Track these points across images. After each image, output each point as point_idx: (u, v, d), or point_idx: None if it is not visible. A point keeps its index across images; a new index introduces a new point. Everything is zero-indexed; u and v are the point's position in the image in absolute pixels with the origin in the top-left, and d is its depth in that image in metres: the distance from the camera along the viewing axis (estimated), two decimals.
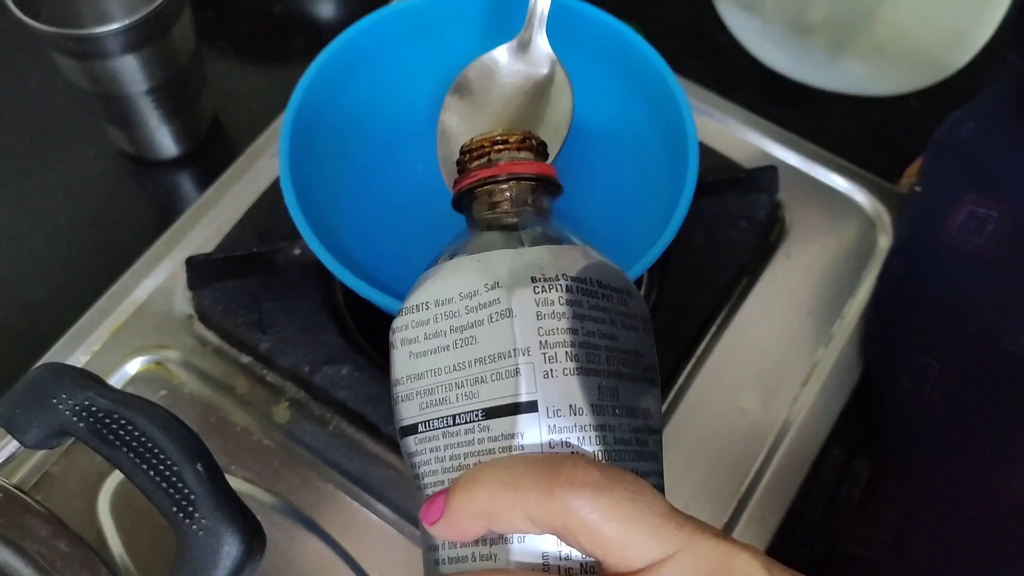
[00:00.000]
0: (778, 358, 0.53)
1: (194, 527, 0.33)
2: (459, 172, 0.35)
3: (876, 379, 0.51)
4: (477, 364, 0.28)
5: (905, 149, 0.59)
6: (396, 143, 0.52)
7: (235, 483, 0.48)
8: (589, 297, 0.29)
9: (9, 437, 0.36)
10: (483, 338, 0.28)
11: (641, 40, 0.48)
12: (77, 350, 0.51)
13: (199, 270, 0.51)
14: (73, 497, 0.48)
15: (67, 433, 0.36)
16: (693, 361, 0.52)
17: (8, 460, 0.36)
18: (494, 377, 0.28)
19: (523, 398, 0.27)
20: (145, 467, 0.34)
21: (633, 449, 0.29)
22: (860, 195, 0.58)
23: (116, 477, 0.49)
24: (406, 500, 0.48)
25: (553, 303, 0.28)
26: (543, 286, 0.29)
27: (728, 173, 0.56)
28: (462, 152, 0.35)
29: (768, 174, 0.55)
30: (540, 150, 0.35)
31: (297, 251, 0.52)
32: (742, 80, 0.66)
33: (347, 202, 0.49)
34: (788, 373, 0.52)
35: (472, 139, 0.35)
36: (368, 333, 0.52)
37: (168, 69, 0.55)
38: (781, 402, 0.51)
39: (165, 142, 0.60)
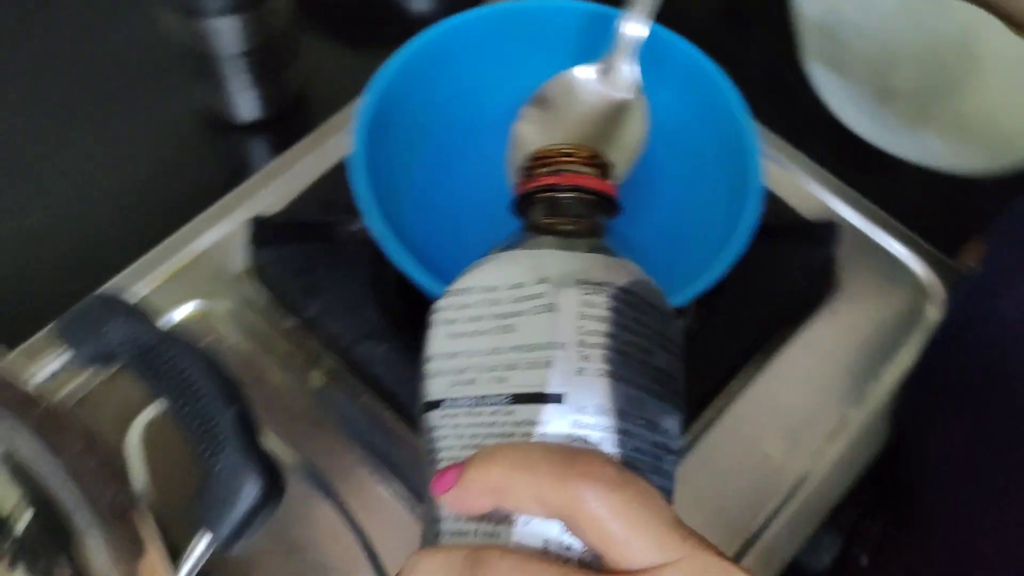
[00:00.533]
0: (808, 409, 0.53)
1: (218, 467, 0.35)
2: (524, 176, 0.36)
3: (905, 439, 0.51)
4: (512, 351, 0.29)
5: (970, 227, 0.59)
6: (466, 140, 0.53)
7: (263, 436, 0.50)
8: (631, 309, 0.30)
9: (59, 352, 0.37)
10: (522, 327, 0.29)
11: (722, 77, 0.49)
12: (134, 285, 0.53)
13: (262, 229, 0.53)
14: (108, 422, 0.49)
15: (113, 359, 0.37)
16: (725, 397, 0.53)
17: (56, 374, 0.38)
18: (527, 365, 0.29)
19: (552, 389, 0.28)
20: (182, 402, 0.36)
21: (649, 462, 0.29)
22: (916, 264, 0.58)
23: (149, 413, 0.51)
24: (420, 481, 0.49)
25: (596, 306, 0.29)
26: (590, 289, 0.29)
27: (789, 221, 0.56)
28: (530, 158, 0.36)
29: (828, 229, 0.56)
30: (605, 169, 0.36)
31: (357, 226, 0.53)
32: (817, 134, 0.66)
33: (411, 189, 0.50)
34: (815, 425, 0.52)
35: (542, 147, 0.36)
36: (412, 317, 0.53)
37: (263, 35, 0.57)
38: (804, 452, 0.51)
39: (248, 105, 0.62)
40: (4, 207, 0.59)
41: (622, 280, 0.30)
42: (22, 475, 0.36)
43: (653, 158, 0.51)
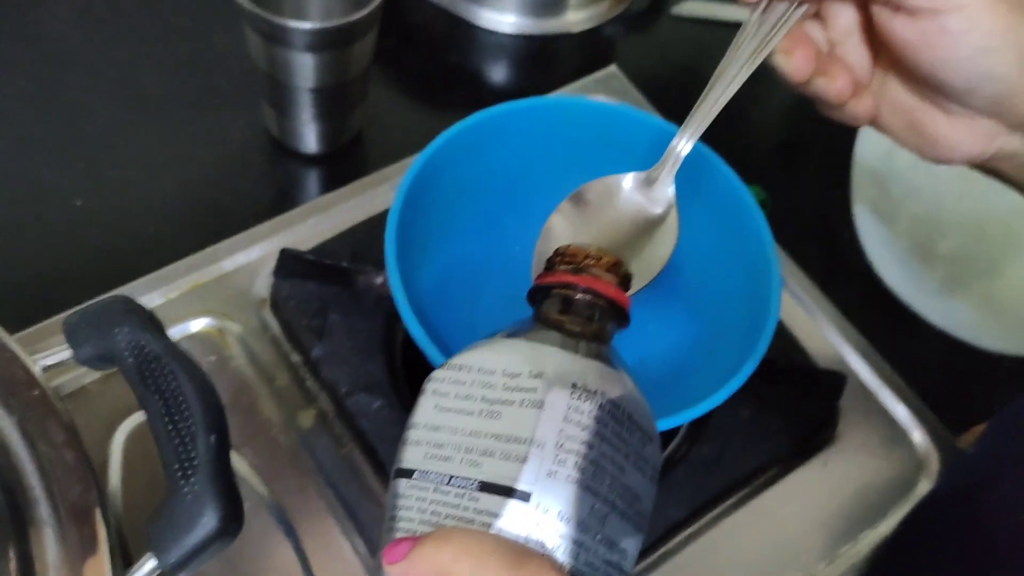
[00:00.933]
0: (778, 557, 0.52)
1: (185, 489, 0.35)
2: (546, 269, 0.37)
3: None
4: (492, 438, 0.30)
5: (982, 407, 0.59)
6: (496, 223, 0.54)
7: (238, 463, 0.51)
8: (616, 423, 0.31)
9: (62, 344, 0.38)
10: (508, 417, 0.30)
11: (756, 209, 0.50)
12: (156, 291, 0.55)
13: (289, 262, 0.54)
14: (96, 419, 0.50)
15: (113, 362, 0.38)
16: (697, 526, 0.52)
17: (57, 365, 0.39)
18: (503, 455, 0.29)
19: (521, 486, 0.28)
20: (167, 418, 0.36)
21: None
22: (918, 433, 0.58)
23: (139, 418, 0.52)
24: (377, 540, 0.49)
25: (583, 413, 0.30)
26: (580, 395, 0.30)
27: (799, 364, 0.56)
28: (556, 252, 0.37)
29: (836, 380, 0.56)
30: (624, 280, 0.37)
31: (379, 280, 0.54)
32: (850, 278, 0.67)
33: (438, 257, 0.52)
34: (782, 574, 0.52)
35: (569, 245, 0.37)
36: (412, 380, 0.54)
37: (337, 77, 0.60)
38: None
39: (309, 138, 0.64)
40: (55, 184, 0.61)
41: (614, 393, 0.31)
42: None
43: (676, 271, 0.52)
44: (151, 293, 0.55)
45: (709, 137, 0.50)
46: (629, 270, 0.37)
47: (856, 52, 0.42)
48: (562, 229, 0.48)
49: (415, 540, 0.28)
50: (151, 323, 0.39)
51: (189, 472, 0.36)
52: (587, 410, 0.30)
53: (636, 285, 0.45)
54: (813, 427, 0.55)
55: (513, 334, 0.33)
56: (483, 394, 0.31)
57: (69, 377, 0.51)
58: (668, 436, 0.55)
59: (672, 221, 0.47)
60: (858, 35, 0.42)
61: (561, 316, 0.35)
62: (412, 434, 0.32)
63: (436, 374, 0.33)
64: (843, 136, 0.69)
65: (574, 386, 0.30)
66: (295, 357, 0.54)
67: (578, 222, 0.49)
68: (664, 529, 0.51)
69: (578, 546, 0.29)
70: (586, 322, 0.35)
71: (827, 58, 0.42)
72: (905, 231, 0.68)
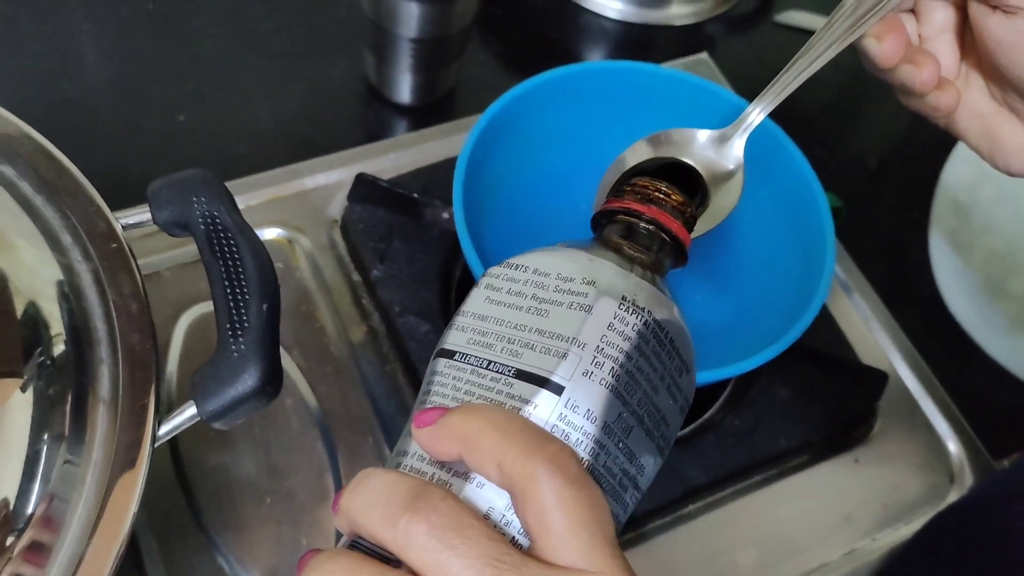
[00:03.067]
0: (794, 540, 0.53)
1: (233, 347, 0.38)
2: (613, 194, 0.38)
3: None
4: (535, 333, 0.31)
5: None
6: (564, 177, 0.56)
7: (288, 361, 0.54)
8: (657, 344, 0.32)
9: (143, 209, 0.41)
10: (554, 316, 0.31)
11: (820, 190, 0.50)
12: (238, 196, 0.57)
13: (364, 187, 0.57)
14: (165, 303, 0.54)
15: (188, 229, 0.41)
16: (718, 496, 0.53)
17: (137, 225, 0.41)
18: (543, 349, 0.30)
19: (556, 378, 0.29)
20: (226, 283, 0.39)
21: (612, 485, 0.30)
22: (954, 447, 0.57)
23: (202, 309, 0.55)
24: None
25: (627, 325, 0.31)
26: (628, 308, 0.31)
27: (842, 356, 0.57)
28: (626, 174, 0.37)
29: (878, 379, 0.56)
30: (690, 221, 0.37)
31: (445, 215, 0.57)
32: (914, 300, 0.66)
33: (502, 205, 0.54)
34: (794, 557, 0.52)
35: (643, 176, 0.37)
36: None
37: (438, 29, 0.62)
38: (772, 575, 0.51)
39: (403, 88, 0.67)
40: (161, 99, 0.66)
41: (660, 314, 0.32)
42: (69, 300, 0.40)
43: (734, 235, 0.53)
44: (236, 197, 0.58)
45: (796, 137, 0.52)
46: (695, 211, 0.38)
47: (945, 50, 0.42)
48: (632, 162, 0.50)
49: (444, 410, 0.29)
50: (226, 198, 0.42)
51: (239, 333, 0.38)
52: (632, 323, 0.31)
53: (698, 230, 0.46)
54: (849, 421, 0.56)
55: (572, 245, 0.35)
56: (534, 292, 0.32)
57: (147, 260, 0.55)
58: (705, 403, 0.55)
59: (738, 179, 0.48)
60: (950, 33, 0.42)
61: (621, 240, 0.35)
62: (459, 320, 0.33)
63: (492, 270, 0.34)
64: (931, 160, 0.69)
65: (623, 299, 0.31)
66: (356, 276, 0.57)
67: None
68: (684, 491, 0.51)
69: (599, 447, 0.30)
70: (645, 251, 0.35)
71: (915, 48, 0.42)
72: (979, 264, 0.67)
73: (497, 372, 0.31)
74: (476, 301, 0.33)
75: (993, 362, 0.64)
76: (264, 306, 0.39)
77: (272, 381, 0.38)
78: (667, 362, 0.32)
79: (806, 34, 0.81)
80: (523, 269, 0.33)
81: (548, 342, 0.30)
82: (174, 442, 0.50)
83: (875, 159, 0.77)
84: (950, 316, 0.66)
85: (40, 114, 0.45)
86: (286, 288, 0.56)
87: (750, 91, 0.64)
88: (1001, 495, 0.48)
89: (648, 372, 0.31)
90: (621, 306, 0.31)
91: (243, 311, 0.39)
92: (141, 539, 0.48)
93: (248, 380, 0.37)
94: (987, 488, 0.51)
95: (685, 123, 0.54)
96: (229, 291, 0.39)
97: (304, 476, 0.51)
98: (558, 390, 0.29)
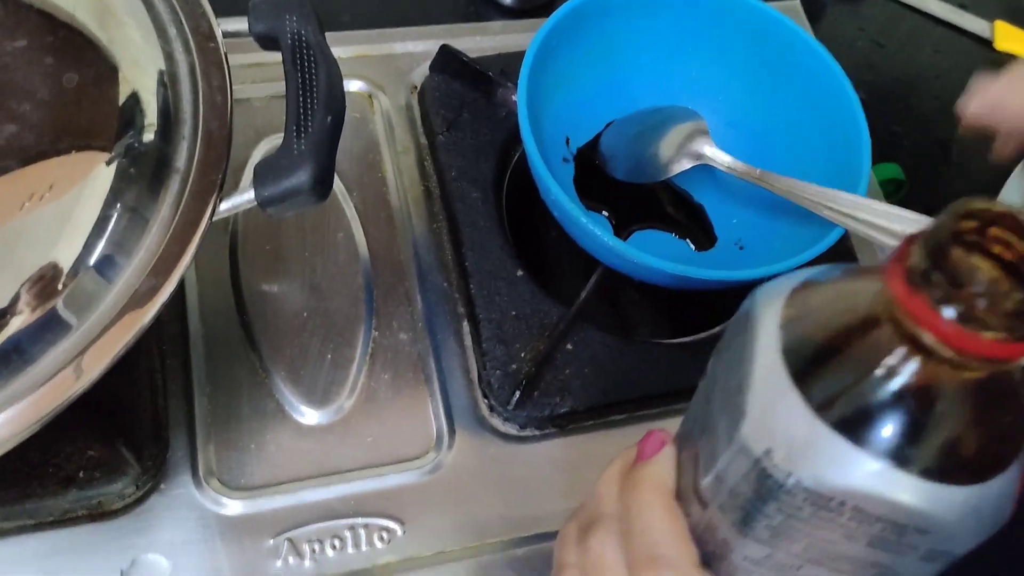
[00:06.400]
0: None
1: (295, 146, 0.43)
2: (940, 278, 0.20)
3: None
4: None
5: None
6: (630, 86, 0.60)
7: (346, 200, 0.59)
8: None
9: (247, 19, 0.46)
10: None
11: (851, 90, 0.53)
12: (331, 47, 0.63)
13: (445, 58, 0.61)
14: (248, 127, 0.60)
15: (277, 43, 0.46)
16: None
17: (235, 34, 0.46)
18: None
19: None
20: (300, 92, 0.44)
21: None
22: None
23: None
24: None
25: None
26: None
27: None
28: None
29: None
30: None
31: (514, 99, 0.60)
32: None
33: (568, 101, 0.58)
34: None
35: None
36: (512, 195, 0.60)
37: None
38: None
39: None
40: None
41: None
42: (165, 87, 0.45)
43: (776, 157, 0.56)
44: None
45: (875, 107, 0.54)
46: None
47: None
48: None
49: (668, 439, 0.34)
50: (314, 20, 0.47)
51: (302, 135, 0.43)
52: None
53: None
54: None
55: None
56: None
57: (241, 87, 0.60)
58: (726, 313, 0.59)
59: None
60: None
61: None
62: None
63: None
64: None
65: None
66: (423, 140, 0.62)
67: None
68: (682, 387, 0.55)
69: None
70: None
71: None
72: None
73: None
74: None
75: None
76: (329, 118, 0.44)
77: (322, 183, 0.43)
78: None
79: (911, 11, 0.82)
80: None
81: None
82: (234, 239, 0.56)
83: (952, 147, 0.77)
84: None
85: None
86: (358, 137, 0.61)
87: (837, 56, 0.66)
88: None
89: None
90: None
91: (310, 117, 0.44)
92: (190, 320, 0.54)
93: (302, 176, 0.42)
94: None
95: (755, 60, 0.58)
96: (301, 98, 0.44)
97: (340, 301, 0.56)
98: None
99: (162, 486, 0.50)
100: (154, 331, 0.48)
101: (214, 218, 0.43)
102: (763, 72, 0.58)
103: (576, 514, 0.37)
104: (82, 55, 0.43)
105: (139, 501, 0.49)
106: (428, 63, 0.63)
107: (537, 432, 0.54)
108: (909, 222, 0.48)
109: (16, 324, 0.37)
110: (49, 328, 0.38)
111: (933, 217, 0.21)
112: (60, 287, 0.38)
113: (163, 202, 0.42)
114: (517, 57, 0.63)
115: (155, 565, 0.48)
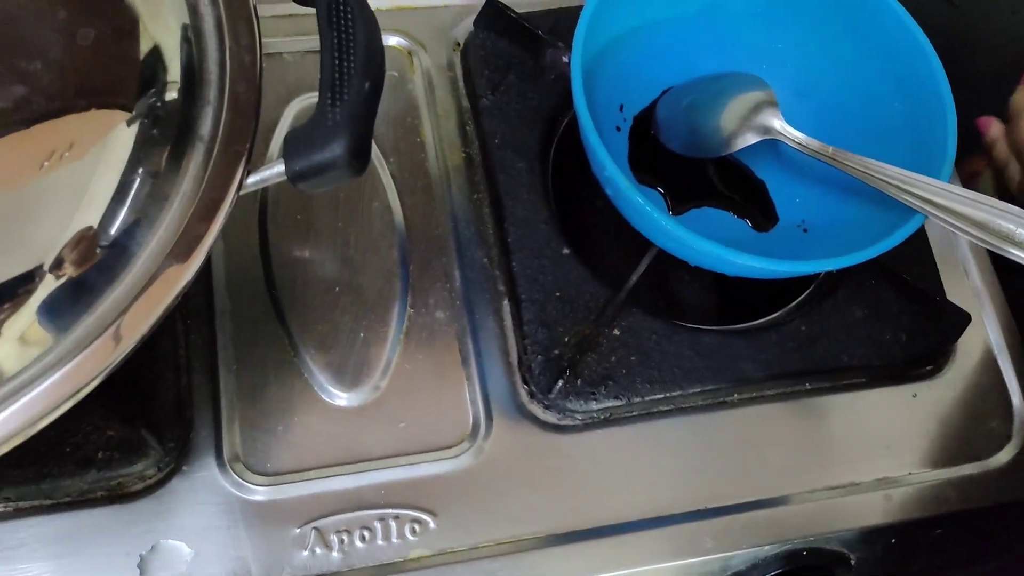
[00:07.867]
0: (828, 454, 0.52)
1: (328, 115, 0.39)
2: None
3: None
4: None
5: None
6: (688, 54, 0.56)
7: (382, 167, 0.55)
8: None
9: None
10: None
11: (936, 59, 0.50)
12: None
13: (492, 13, 0.57)
14: (279, 84, 0.56)
15: (313, 1, 0.42)
16: (764, 393, 0.53)
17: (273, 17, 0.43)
18: None
19: None
20: (336, 54, 0.40)
21: None
22: (1020, 406, 0.55)
23: (310, 99, 0.56)
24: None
25: None
26: None
27: (931, 289, 0.55)
28: None
29: (960, 319, 0.54)
30: None
31: (565, 60, 0.56)
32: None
33: (622, 64, 0.54)
34: (824, 470, 0.52)
35: None
36: (559, 163, 0.56)
37: None
38: (795, 482, 0.52)
39: None
40: None
41: None
42: (190, 43, 0.41)
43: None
44: None
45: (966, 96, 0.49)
46: None
47: None
48: None
49: None
50: None
51: (337, 104, 0.39)
52: None
53: None
54: (919, 355, 0.54)
55: None
56: None
57: (274, 40, 0.56)
58: (778, 303, 0.55)
59: None
60: None
61: None
62: None
63: None
64: None
65: None
66: (465, 103, 0.58)
67: None
68: (734, 379, 0.51)
69: None
70: None
71: None
72: None
73: None
74: None
75: None
76: (366, 84, 0.40)
77: (359, 156, 0.40)
78: None
79: None
80: None
81: None
82: (263, 207, 0.53)
83: None
84: None
85: None
86: (396, 98, 0.57)
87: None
88: None
89: None
90: None
91: (346, 84, 0.40)
92: (216, 293, 0.51)
93: (336, 148, 0.39)
94: None
95: (830, 25, 0.53)
96: (337, 62, 0.40)
97: (374, 275, 0.53)
98: None
99: (184, 468, 0.48)
100: (178, 305, 0.46)
101: (240, 193, 0.40)
102: (838, 39, 0.53)
103: None
104: (101, 6, 0.40)
105: (160, 483, 0.47)
106: (473, 18, 0.58)
107: (579, 422, 0.51)
108: (998, 212, 0.44)
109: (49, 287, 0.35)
110: (83, 292, 0.36)
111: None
112: (96, 250, 0.36)
113: (186, 174, 0.39)
114: (569, 13, 0.59)
115: (176, 551, 0.46)
